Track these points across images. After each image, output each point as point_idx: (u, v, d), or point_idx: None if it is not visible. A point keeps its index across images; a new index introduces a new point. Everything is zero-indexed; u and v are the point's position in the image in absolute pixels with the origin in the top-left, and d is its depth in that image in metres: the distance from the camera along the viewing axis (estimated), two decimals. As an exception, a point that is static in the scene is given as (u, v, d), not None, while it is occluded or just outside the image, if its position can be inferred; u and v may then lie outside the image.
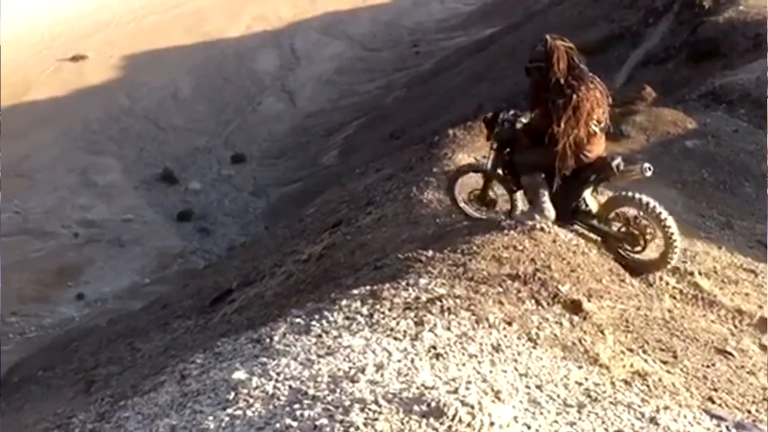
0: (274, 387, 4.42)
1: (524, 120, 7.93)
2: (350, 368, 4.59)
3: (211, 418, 4.27)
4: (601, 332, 6.11)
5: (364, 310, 6.03)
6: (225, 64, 31.84)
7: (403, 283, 6.83)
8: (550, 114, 7.31)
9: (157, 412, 4.99)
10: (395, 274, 7.68)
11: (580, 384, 4.83)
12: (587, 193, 7.78)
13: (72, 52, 31.42)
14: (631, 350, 5.98)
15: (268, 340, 5.54)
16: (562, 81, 7.29)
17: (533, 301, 6.47)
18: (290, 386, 4.40)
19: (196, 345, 13.17)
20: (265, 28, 35.20)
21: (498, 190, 8.64)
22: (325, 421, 3.83)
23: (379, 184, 17.70)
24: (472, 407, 3.79)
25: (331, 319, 5.82)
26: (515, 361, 5.05)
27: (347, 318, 5.81)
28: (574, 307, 6.48)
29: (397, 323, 5.61)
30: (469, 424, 3.71)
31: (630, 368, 5.51)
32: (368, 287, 6.86)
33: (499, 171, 8.29)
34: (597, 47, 23.32)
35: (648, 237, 7.67)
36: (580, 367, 5.22)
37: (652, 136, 14.54)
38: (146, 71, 30.22)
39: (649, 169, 7.46)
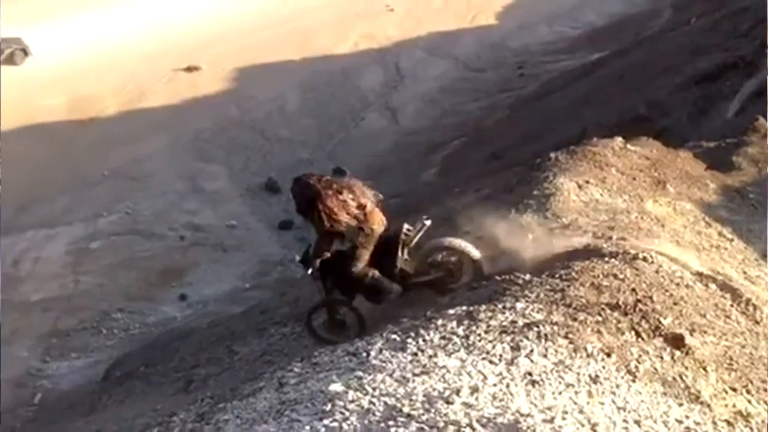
0: (370, 402, 4.50)
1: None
2: (445, 389, 4.63)
3: (307, 428, 4.38)
4: (704, 369, 5.93)
5: (460, 331, 6.05)
6: (332, 80, 32.41)
7: (500, 306, 6.80)
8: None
9: (255, 418, 5.14)
10: (491, 296, 7.64)
11: (680, 422, 4.72)
12: (399, 260, 8.61)
13: (186, 62, 32.64)
14: (734, 389, 5.79)
15: (364, 354, 5.63)
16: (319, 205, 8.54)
17: (633, 333, 6.34)
18: (385, 402, 4.46)
19: (292, 352, 13.43)
20: (372, 47, 35.69)
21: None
22: (419, 439, 3.88)
23: (478, 204, 17.67)
24: (568, 438, 3.77)
25: (426, 337, 5.86)
26: (613, 393, 4.97)
27: (443, 338, 5.85)
28: (676, 342, 6.30)
29: (493, 346, 5.60)
30: (564, 455, 3.70)
31: (733, 408, 5.34)
32: (464, 308, 6.86)
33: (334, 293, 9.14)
34: (709, 76, 22.67)
35: (459, 267, 8.74)
36: (680, 404, 5.09)
37: (764, 168, 14.02)
38: (256, 84, 31.08)
39: (427, 218, 8.78)
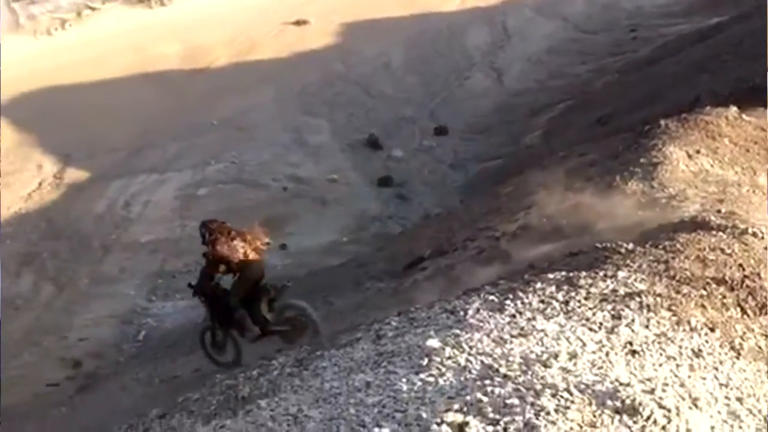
0: (466, 360, 4.56)
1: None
2: (543, 352, 4.64)
3: (404, 380, 4.47)
4: (812, 350, 5.73)
5: (560, 296, 6.03)
6: (437, 38, 32.12)
7: (601, 274, 6.73)
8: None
9: (352, 366, 5.28)
10: (592, 263, 7.56)
11: (785, 402, 4.60)
12: (263, 309, 10.56)
13: (296, 16, 32.86)
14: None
15: (462, 313, 5.68)
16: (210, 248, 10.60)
17: (739, 309, 6.17)
18: (482, 361, 4.51)
19: (387, 306, 13.62)
20: (479, 5, 35.06)
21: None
22: (515, 401, 3.91)
23: (581, 169, 17.35)
24: (669, 411, 3.72)
25: (525, 300, 5.87)
26: (716, 369, 4.87)
27: (542, 302, 5.84)
28: (784, 322, 6.12)
29: (593, 314, 5.57)
30: (663, 428, 3.66)
31: (841, 393, 5.15)
32: (564, 273, 6.82)
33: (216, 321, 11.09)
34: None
35: (305, 325, 10.43)
36: (785, 385, 4.95)
37: None
38: (362, 40, 31.12)
39: (289, 282, 11.86)
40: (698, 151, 12.78)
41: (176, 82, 27.91)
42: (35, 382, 16.06)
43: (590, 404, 3.84)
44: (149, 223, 21.48)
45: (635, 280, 6.45)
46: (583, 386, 4.04)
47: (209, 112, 26.06)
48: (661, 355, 4.88)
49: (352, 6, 33.76)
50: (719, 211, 9.54)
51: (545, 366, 4.40)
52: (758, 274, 6.84)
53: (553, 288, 6.25)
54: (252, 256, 10.55)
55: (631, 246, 7.71)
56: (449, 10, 34.34)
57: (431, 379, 4.40)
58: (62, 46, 28.74)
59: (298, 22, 32.45)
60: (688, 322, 5.55)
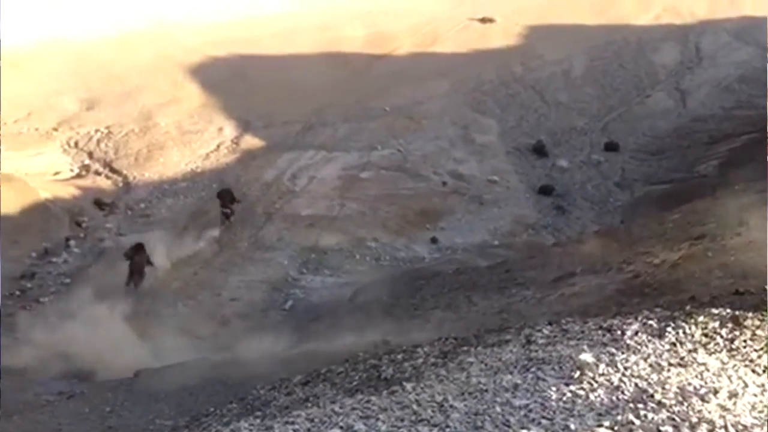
0: (620, 380, 4.46)
1: None
2: (701, 386, 4.47)
3: (554, 389, 4.43)
4: None
5: (723, 333, 5.79)
6: (624, 51, 31.24)
7: (769, 317, 6.39)
8: None
9: (500, 367, 5.28)
10: (759, 305, 7.22)
11: None
12: None
13: (483, 13, 32.88)
14: None
15: (618, 332, 5.56)
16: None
17: None
18: (636, 384, 4.41)
19: (530, 315, 13.49)
20: (674, 22, 33.80)
21: None
22: (669, 429, 3.80)
23: (757, 207, 16.40)
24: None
25: (687, 331, 5.67)
26: None
27: (705, 335, 5.63)
28: None
29: (759, 356, 5.31)
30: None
31: None
32: (729, 310, 6.53)
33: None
34: None
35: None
36: None
37: None
38: (545, 44, 30.74)
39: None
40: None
41: (357, 64, 28.61)
42: (185, 333, 17.03)
43: (749, 447, 3.69)
44: (311, 198, 22.20)
45: (809, 329, 6.07)
46: (741, 427, 3.88)
47: (383, 98, 26.57)
48: (831, 411, 4.59)
49: (541, 8, 33.39)
50: None
51: (703, 400, 4.24)
52: None
53: (717, 324, 6.00)
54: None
55: (805, 294, 7.28)
56: (641, 24, 33.26)
57: (582, 392, 4.34)
58: (255, 17, 30.08)
59: (483, 20, 32.44)
60: None
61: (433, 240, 21.18)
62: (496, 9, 33.11)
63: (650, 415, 3.96)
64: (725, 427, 3.83)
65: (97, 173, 22.27)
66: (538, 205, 23.25)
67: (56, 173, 22.03)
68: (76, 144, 23.18)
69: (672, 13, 34.53)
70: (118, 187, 21.93)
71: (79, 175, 22.11)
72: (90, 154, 22.89)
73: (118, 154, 22.98)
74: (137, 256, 18.01)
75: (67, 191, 21.23)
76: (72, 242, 19.60)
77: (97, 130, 23.76)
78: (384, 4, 32.38)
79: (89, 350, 14.68)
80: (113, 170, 22.44)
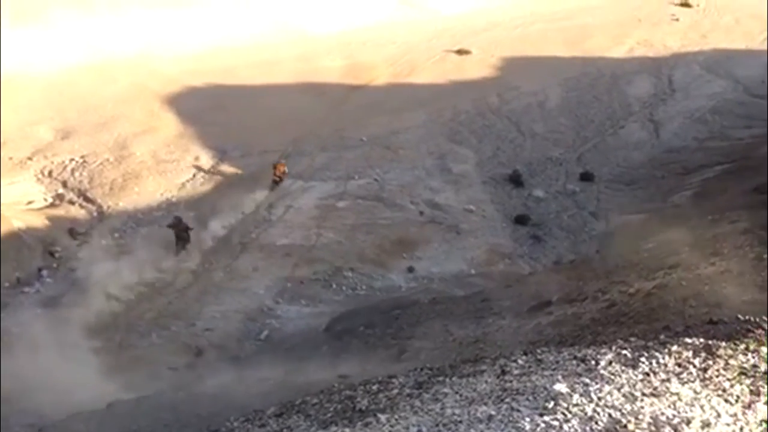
0: (594, 410, 4.46)
1: None
2: (674, 416, 4.48)
3: (527, 419, 4.42)
4: None
5: (697, 362, 5.82)
6: (598, 83, 31.60)
7: (742, 347, 6.46)
8: None
9: (474, 397, 5.26)
10: (732, 334, 7.28)
11: None
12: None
13: (459, 45, 33.22)
14: None
15: (593, 362, 5.56)
16: None
17: None
18: (609, 414, 4.41)
19: (506, 345, 13.47)
20: (648, 54, 34.31)
21: None
22: (642, 459, 3.79)
23: (731, 237, 16.58)
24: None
25: (660, 360, 5.69)
26: None
27: (678, 365, 5.65)
28: None
29: (731, 386, 5.33)
30: None
31: None
32: (702, 340, 6.58)
33: None
34: None
35: None
36: None
37: None
38: (521, 75, 31.05)
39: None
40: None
41: (335, 95, 28.73)
42: (157, 364, 16.82)
43: (721, 478, 3.68)
44: (288, 228, 22.15)
45: (779, 359, 6.13)
46: (714, 458, 3.88)
47: (360, 128, 26.67)
48: (801, 441, 4.62)
49: (517, 40, 33.81)
50: None
51: (676, 430, 4.24)
52: None
53: (691, 353, 6.03)
54: None
55: (776, 323, 7.34)
56: (615, 56, 33.73)
57: (555, 423, 4.33)
58: (233, 47, 30.19)
59: (460, 51, 32.78)
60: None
61: (410, 269, 21.19)
62: (472, 41, 33.49)
63: (623, 446, 3.96)
64: (698, 457, 3.83)
65: (71, 202, 22.09)
66: (514, 235, 23.33)
67: (30, 202, 21.82)
68: (51, 173, 23.01)
69: (645, 46, 35.08)
70: (93, 216, 21.75)
71: (53, 205, 21.92)
72: (64, 184, 22.72)
73: (92, 183, 22.82)
74: (178, 226, 20.71)
75: (41, 221, 21.03)
76: (45, 272, 19.39)
77: (71, 160, 23.61)
78: (362, 35, 32.66)
79: (61, 381, 14.47)
80: (87, 199, 22.27)
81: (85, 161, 23.59)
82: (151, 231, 21.35)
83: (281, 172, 23.53)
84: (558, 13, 36.84)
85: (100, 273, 19.07)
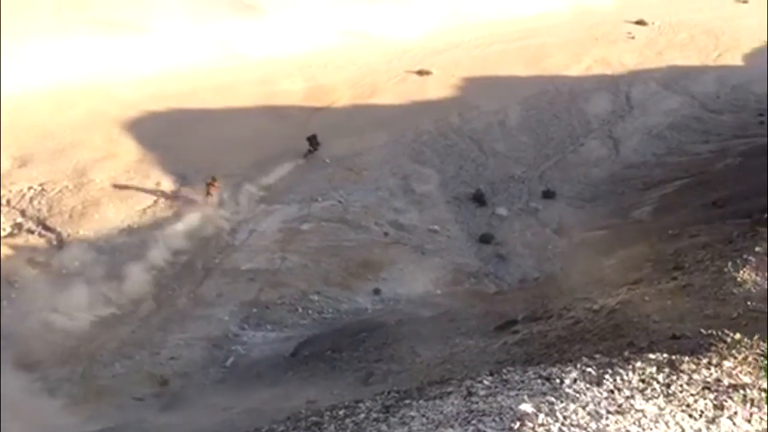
0: (560, 429, 4.45)
1: None
2: (639, 433, 4.48)
3: (493, 440, 4.40)
4: None
5: (660, 378, 5.85)
6: (557, 101, 32.01)
7: (705, 361, 6.51)
8: None
9: (441, 420, 5.23)
10: (695, 348, 7.35)
11: None
12: None
13: (419, 66, 33.48)
14: None
15: (557, 381, 5.56)
16: None
17: None
18: (575, 433, 4.39)
19: (474, 366, 13.47)
20: (605, 72, 34.87)
21: None
22: (608, 478, 3.79)
23: (691, 251, 16.81)
24: None
25: (625, 377, 5.71)
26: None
27: (642, 381, 5.67)
28: None
29: (695, 401, 5.37)
30: None
31: None
32: (665, 355, 6.62)
33: None
34: None
35: None
36: None
37: None
38: (481, 95, 31.31)
39: None
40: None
41: (296, 117, 28.68)
42: (122, 394, 16.53)
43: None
44: (251, 252, 21.97)
45: (740, 372, 6.19)
46: (679, 475, 3.88)
47: (323, 150, 26.63)
48: (765, 454, 4.65)
49: (476, 61, 34.11)
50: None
51: (641, 448, 4.24)
52: None
53: (654, 369, 6.07)
54: None
55: (738, 336, 7.43)
56: (573, 75, 34.21)
57: (521, 444, 4.31)
58: (192, 71, 30.02)
59: (420, 72, 32.98)
60: (797, 424, 5.26)
61: (376, 291, 21.13)
62: (432, 61, 33.72)
63: (589, 465, 3.95)
64: (663, 474, 3.83)
65: (30, 231, 21.69)
66: (479, 254, 23.40)
67: (-13, 232, 21.44)
68: (8, 202, 22.59)
69: (602, 64, 35.65)
70: (52, 245, 21.38)
71: (11, 234, 21.50)
72: (22, 212, 22.32)
73: (51, 211, 22.43)
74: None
75: (-1, 250, 20.64)
76: (4, 303, 18.99)
77: (30, 188, 23.21)
78: (322, 57, 32.70)
79: (25, 414, 14.17)
80: (47, 228, 21.88)
81: (43, 189, 23.21)
82: (112, 258, 21.03)
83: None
84: (516, 33, 37.28)
85: (60, 302, 18.72)
